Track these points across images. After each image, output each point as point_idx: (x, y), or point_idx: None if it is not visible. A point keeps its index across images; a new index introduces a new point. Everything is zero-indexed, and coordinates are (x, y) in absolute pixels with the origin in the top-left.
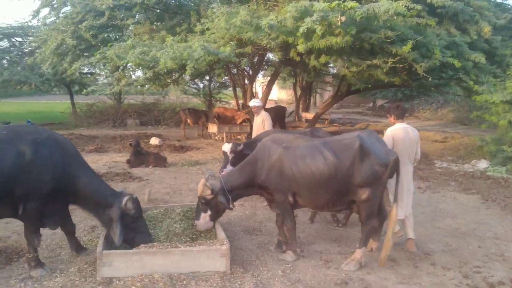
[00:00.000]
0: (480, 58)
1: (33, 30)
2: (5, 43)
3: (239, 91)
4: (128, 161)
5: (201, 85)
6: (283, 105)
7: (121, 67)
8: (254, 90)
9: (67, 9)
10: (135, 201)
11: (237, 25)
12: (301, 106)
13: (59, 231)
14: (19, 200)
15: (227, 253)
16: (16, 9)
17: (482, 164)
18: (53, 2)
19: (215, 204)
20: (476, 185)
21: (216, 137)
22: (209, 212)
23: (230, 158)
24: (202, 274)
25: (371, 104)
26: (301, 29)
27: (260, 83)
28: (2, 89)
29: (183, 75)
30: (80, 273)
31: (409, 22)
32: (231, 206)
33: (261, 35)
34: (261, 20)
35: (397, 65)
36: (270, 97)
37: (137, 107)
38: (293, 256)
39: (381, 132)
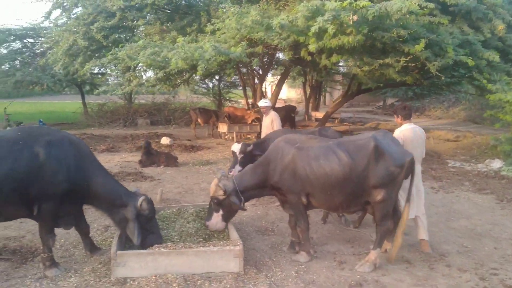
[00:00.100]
0: (494, 56)
1: (44, 32)
2: (17, 44)
3: (248, 90)
4: (140, 161)
5: (211, 85)
6: (292, 104)
7: (132, 68)
8: (263, 89)
9: (78, 10)
10: (150, 202)
11: (248, 25)
12: (310, 105)
13: (73, 230)
14: (34, 201)
15: (241, 254)
16: (28, 11)
17: (496, 164)
18: (65, 4)
19: (228, 205)
20: (491, 185)
21: (226, 137)
22: (221, 213)
23: (239, 158)
24: (216, 274)
25: (381, 103)
26: (313, 29)
27: (269, 82)
28: (14, 90)
29: (194, 75)
30: (94, 273)
31: (421, 21)
32: (243, 206)
33: (272, 35)
34: (272, 20)
35: (410, 64)
36: (279, 96)
37: (148, 107)
38: (306, 257)
39: (392, 131)
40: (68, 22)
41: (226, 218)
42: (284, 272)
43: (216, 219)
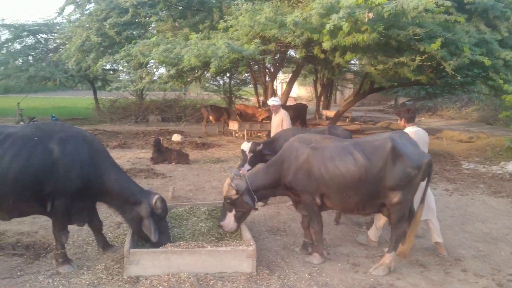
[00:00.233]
0: (511, 56)
1: (57, 27)
2: (30, 40)
3: (259, 88)
4: (152, 158)
5: (221, 82)
6: (303, 102)
7: (144, 64)
8: (274, 87)
9: (91, 6)
10: (164, 201)
11: (261, 22)
12: (321, 103)
13: (85, 227)
14: (47, 198)
15: (254, 254)
16: (42, 7)
17: (511, 166)
18: (78, 0)
19: (241, 205)
20: (506, 188)
21: (236, 134)
22: (234, 213)
23: (248, 157)
24: (228, 275)
25: (392, 102)
26: (327, 26)
27: (280, 80)
28: (27, 85)
29: (205, 72)
30: (107, 271)
31: (437, 19)
32: (256, 206)
33: (285, 32)
34: (286, 17)
35: (425, 63)
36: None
37: (159, 103)
38: (319, 258)
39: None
40: (81, 18)
41: (240, 218)
42: (297, 273)
43: (230, 219)
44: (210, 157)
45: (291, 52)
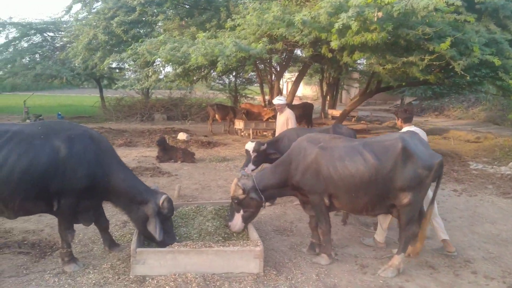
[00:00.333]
0: None
1: (65, 26)
2: (38, 38)
3: (265, 87)
4: (158, 157)
5: (227, 81)
6: (308, 101)
7: (151, 63)
8: (280, 86)
9: (98, 5)
10: (170, 201)
11: (269, 21)
12: (327, 102)
13: (92, 225)
14: (54, 196)
15: (261, 255)
16: (49, 5)
17: None
18: None
19: (248, 205)
20: None
21: (242, 133)
22: (242, 213)
23: (252, 157)
24: (235, 275)
25: (399, 102)
26: (336, 25)
27: (285, 79)
28: (34, 83)
29: (211, 71)
30: (113, 270)
31: (446, 18)
32: (264, 205)
33: (293, 31)
34: (294, 16)
35: (434, 62)
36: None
37: (165, 102)
38: (327, 259)
39: None
40: (89, 16)
41: (248, 218)
42: (304, 274)
43: (238, 220)
44: (215, 156)
45: (298, 51)
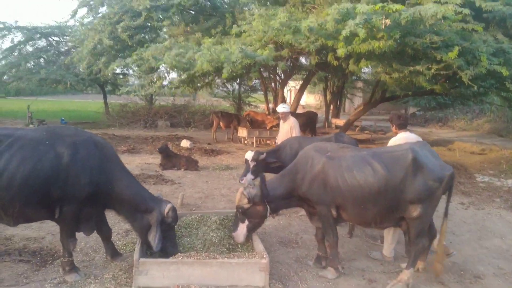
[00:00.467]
0: None
1: (69, 30)
2: (42, 43)
3: (269, 95)
4: (161, 165)
5: (231, 88)
6: (311, 110)
7: (155, 69)
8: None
9: (104, 9)
10: (175, 210)
11: (276, 27)
12: (331, 112)
13: (93, 233)
14: (56, 203)
15: (267, 267)
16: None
17: None
18: (91, 3)
19: (253, 214)
20: None
21: (246, 141)
22: (247, 223)
23: (251, 166)
24: None
25: (402, 112)
26: (343, 32)
27: (289, 87)
28: (38, 87)
29: (216, 78)
30: (115, 281)
31: (453, 27)
32: (272, 216)
33: (299, 38)
34: (300, 23)
35: (441, 72)
36: None
37: (168, 108)
38: (334, 273)
39: None
40: (94, 21)
41: (252, 228)
42: None
43: (242, 230)
44: (219, 164)
45: (303, 59)
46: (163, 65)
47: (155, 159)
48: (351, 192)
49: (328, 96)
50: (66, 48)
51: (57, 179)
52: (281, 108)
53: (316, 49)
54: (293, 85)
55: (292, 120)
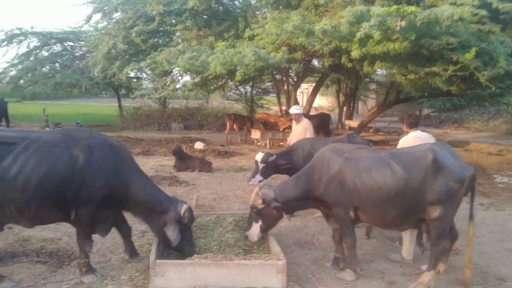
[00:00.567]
0: None
1: (84, 35)
2: (58, 47)
3: (282, 98)
4: (175, 166)
5: (243, 91)
6: (324, 112)
7: (169, 72)
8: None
9: (118, 14)
10: (191, 211)
11: (289, 30)
12: (344, 113)
13: (109, 235)
14: (71, 205)
15: (284, 269)
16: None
17: None
18: (105, 8)
19: (267, 215)
20: None
21: (259, 143)
22: (260, 223)
23: (260, 167)
24: None
25: (417, 113)
26: (358, 34)
27: (302, 89)
28: (53, 91)
29: (229, 80)
30: (131, 281)
31: (469, 28)
32: (289, 218)
33: (313, 41)
34: (314, 26)
35: (458, 73)
36: None
37: (181, 111)
38: (353, 275)
39: None
40: (108, 26)
41: (265, 228)
42: None
43: (256, 230)
44: (233, 166)
45: (315, 62)
46: (177, 68)
47: (169, 161)
48: (369, 194)
49: (341, 98)
50: (81, 52)
51: (72, 181)
52: (294, 110)
53: (330, 51)
54: (305, 88)
55: (306, 122)
